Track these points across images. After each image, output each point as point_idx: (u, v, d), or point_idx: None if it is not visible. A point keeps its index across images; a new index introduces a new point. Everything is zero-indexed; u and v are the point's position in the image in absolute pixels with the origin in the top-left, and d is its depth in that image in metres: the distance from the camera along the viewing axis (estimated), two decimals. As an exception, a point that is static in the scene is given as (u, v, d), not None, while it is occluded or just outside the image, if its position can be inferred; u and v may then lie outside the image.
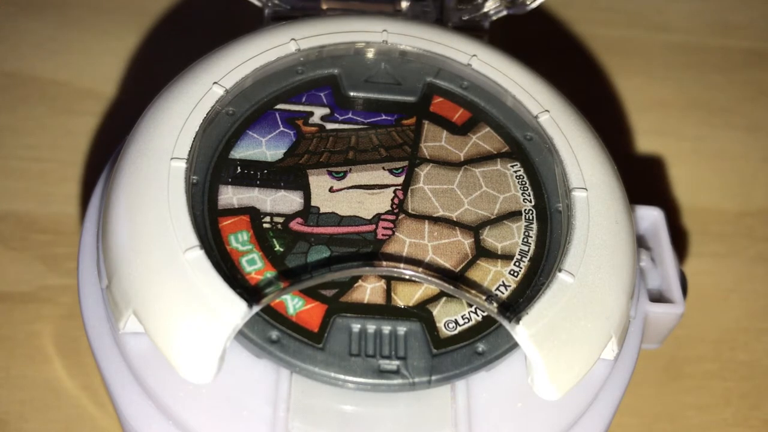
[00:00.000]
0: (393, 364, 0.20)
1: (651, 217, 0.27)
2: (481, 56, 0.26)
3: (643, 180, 0.36)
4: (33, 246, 0.31)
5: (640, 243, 0.27)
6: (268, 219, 0.22)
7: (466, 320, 0.21)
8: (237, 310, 0.20)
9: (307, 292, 0.21)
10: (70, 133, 0.34)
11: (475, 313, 0.21)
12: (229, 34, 0.26)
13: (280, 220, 0.23)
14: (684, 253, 0.33)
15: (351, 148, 0.24)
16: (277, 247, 0.22)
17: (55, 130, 0.34)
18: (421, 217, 0.23)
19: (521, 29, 0.35)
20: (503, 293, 0.22)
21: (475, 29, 0.30)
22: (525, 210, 0.24)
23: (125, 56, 0.37)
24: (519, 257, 0.23)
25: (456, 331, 0.21)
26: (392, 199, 0.23)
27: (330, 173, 0.24)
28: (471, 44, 0.27)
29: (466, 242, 0.23)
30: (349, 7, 0.30)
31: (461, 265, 0.22)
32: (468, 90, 0.26)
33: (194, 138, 0.23)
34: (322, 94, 0.26)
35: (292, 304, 0.21)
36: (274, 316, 0.21)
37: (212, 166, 0.23)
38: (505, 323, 0.21)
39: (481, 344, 0.21)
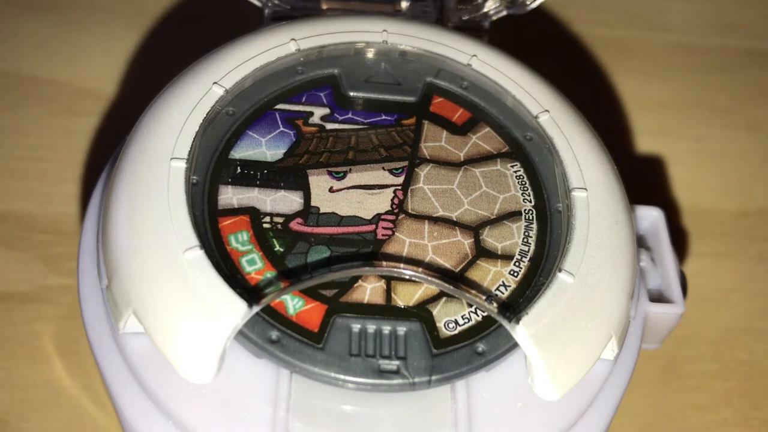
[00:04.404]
0: (393, 364, 0.20)
1: (651, 217, 0.27)
2: (481, 56, 0.26)
3: (643, 180, 0.36)
4: (33, 246, 0.31)
5: (640, 243, 0.27)
6: (268, 219, 0.22)
7: (466, 320, 0.21)
8: (237, 310, 0.20)
9: (307, 292, 0.21)
10: (70, 133, 0.34)
11: (475, 313, 0.21)
12: (229, 34, 0.26)
13: (280, 220, 0.23)
14: (684, 253, 0.33)
15: (351, 148, 0.24)
16: (277, 247, 0.22)
17: (55, 130, 0.34)
18: (421, 217, 0.23)
19: (521, 29, 0.35)
20: (503, 293, 0.22)
21: (475, 29, 0.30)
22: (525, 210, 0.24)
23: (125, 56, 0.37)
24: (519, 257, 0.23)
25: (456, 331, 0.21)
26: (392, 199, 0.23)
27: (330, 173, 0.24)
28: (471, 44, 0.27)
29: (466, 242, 0.23)
30: (349, 7, 0.30)
31: (461, 265, 0.22)
32: (468, 90, 0.26)
33: (194, 138, 0.23)
34: (322, 94, 0.26)
35: (292, 304, 0.21)
36: (274, 316, 0.21)
37: (212, 166, 0.23)
38: (505, 323, 0.21)
39: (481, 344, 0.21)
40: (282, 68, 0.26)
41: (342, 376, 0.20)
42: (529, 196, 0.24)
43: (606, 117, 0.37)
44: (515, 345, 0.21)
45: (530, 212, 0.24)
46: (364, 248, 0.22)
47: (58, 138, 0.34)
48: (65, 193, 0.32)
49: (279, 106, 0.25)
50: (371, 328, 0.21)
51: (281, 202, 0.23)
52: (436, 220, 0.23)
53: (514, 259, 0.23)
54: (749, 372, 0.30)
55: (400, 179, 0.24)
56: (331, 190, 0.23)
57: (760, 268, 0.33)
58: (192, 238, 0.21)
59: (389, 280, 0.22)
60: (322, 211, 0.23)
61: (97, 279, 0.23)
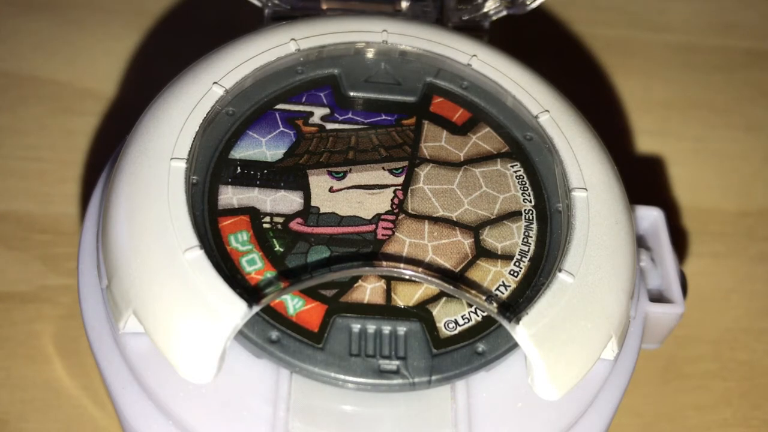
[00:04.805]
0: (393, 364, 0.20)
1: (651, 217, 0.27)
2: (481, 56, 0.26)
3: (643, 180, 0.36)
4: (33, 246, 0.31)
5: (640, 243, 0.27)
6: (268, 219, 0.22)
7: (466, 320, 0.21)
8: (237, 310, 0.20)
9: (307, 292, 0.21)
10: (70, 133, 0.34)
11: (475, 313, 0.21)
12: (229, 34, 0.26)
13: (280, 220, 0.23)
14: (684, 253, 0.33)
15: (351, 148, 0.24)
16: (277, 247, 0.22)
17: (55, 130, 0.34)
18: (421, 217, 0.23)
19: (521, 29, 0.35)
20: (503, 293, 0.22)
21: (475, 29, 0.30)
22: (525, 210, 0.24)
23: (125, 56, 0.37)
24: (519, 257, 0.23)
25: (456, 331, 0.21)
26: (392, 199, 0.23)
27: (330, 173, 0.24)
28: (471, 44, 0.27)
29: (466, 242, 0.23)
30: (349, 7, 0.30)
31: (461, 265, 0.22)
32: (468, 90, 0.26)
33: (194, 138, 0.23)
34: (322, 94, 0.26)
35: (292, 304, 0.21)
36: (274, 316, 0.21)
37: (212, 166, 0.23)
38: (505, 323, 0.21)
39: (481, 344, 0.21)
40: (282, 68, 0.26)
41: (342, 376, 0.20)
42: (529, 196, 0.24)
43: (606, 117, 0.37)
44: (515, 345, 0.21)
45: (530, 212, 0.24)
46: (364, 248, 0.22)
47: (58, 138, 0.34)
48: (65, 193, 0.32)
49: (279, 106, 0.25)
50: (371, 328, 0.21)
51: (281, 202, 0.23)
52: (436, 220, 0.23)
53: (514, 259, 0.23)
54: (749, 372, 0.30)
55: (400, 179, 0.24)
56: (331, 190, 0.23)
57: (760, 268, 0.33)
58: (192, 238, 0.21)
59: (389, 280, 0.22)
60: (322, 211, 0.23)
61: (97, 279, 0.23)
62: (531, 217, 0.24)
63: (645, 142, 0.37)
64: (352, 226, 0.23)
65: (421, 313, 0.21)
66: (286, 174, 0.24)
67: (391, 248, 0.22)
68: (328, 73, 0.26)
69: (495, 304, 0.22)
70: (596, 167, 0.24)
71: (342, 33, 0.26)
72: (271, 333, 0.20)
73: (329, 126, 0.25)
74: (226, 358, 0.20)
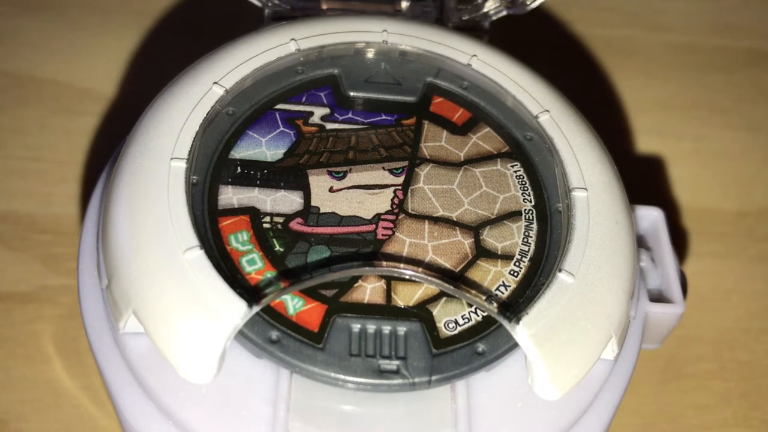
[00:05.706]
0: (393, 364, 0.20)
1: (651, 217, 0.27)
2: (481, 56, 0.26)
3: (643, 180, 0.36)
4: (33, 246, 0.31)
5: (640, 243, 0.27)
6: (268, 219, 0.22)
7: (466, 320, 0.21)
8: (237, 310, 0.20)
9: (307, 292, 0.21)
10: (70, 133, 0.34)
11: (475, 313, 0.21)
12: (229, 34, 0.26)
13: (280, 220, 0.23)
14: (684, 253, 0.33)
15: (351, 148, 0.24)
16: (277, 247, 0.22)
17: (55, 130, 0.34)
18: (421, 217, 0.23)
19: (521, 29, 0.35)
20: (503, 293, 0.22)
21: (475, 29, 0.30)
22: (525, 210, 0.24)
23: (125, 56, 0.37)
24: (519, 257, 0.23)
25: (456, 331, 0.21)
26: (392, 199, 0.23)
27: (330, 173, 0.24)
28: (471, 44, 0.27)
29: (466, 242, 0.23)
30: (349, 7, 0.30)
31: (461, 265, 0.22)
32: (468, 90, 0.26)
33: (194, 138, 0.23)
34: (322, 94, 0.26)
35: (292, 304, 0.21)
36: (274, 316, 0.21)
37: (212, 166, 0.23)
38: (505, 323, 0.21)
39: (481, 344, 0.21)
40: (282, 68, 0.26)
41: (342, 376, 0.20)
42: (529, 196, 0.24)
43: (606, 117, 0.37)
44: (515, 345, 0.21)
45: (530, 212, 0.24)
46: (364, 248, 0.22)
47: (58, 138, 0.34)
48: (65, 193, 0.32)
49: (279, 106, 0.25)
50: (371, 328, 0.21)
51: (281, 201, 0.23)
52: (436, 220, 0.23)
53: (514, 259, 0.23)
54: (749, 372, 0.30)
55: (400, 179, 0.24)
56: (331, 190, 0.23)
57: (760, 268, 0.33)
58: (192, 238, 0.21)
59: (389, 280, 0.22)
60: (322, 211, 0.23)
61: (97, 279, 0.23)
62: (531, 217, 0.24)
63: (645, 142, 0.37)
64: (352, 226, 0.23)
65: (421, 313, 0.21)
66: (286, 174, 0.24)
67: (391, 248, 0.22)
68: (328, 73, 0.26)
69: (495, 304, 0.22)
70: (596, 167, 0.24)
71: (342, 33, 0.26)
72: (271, 333, 0.20)
73: (329, 126, 0.25)
74: (226, 358, 0.20)
